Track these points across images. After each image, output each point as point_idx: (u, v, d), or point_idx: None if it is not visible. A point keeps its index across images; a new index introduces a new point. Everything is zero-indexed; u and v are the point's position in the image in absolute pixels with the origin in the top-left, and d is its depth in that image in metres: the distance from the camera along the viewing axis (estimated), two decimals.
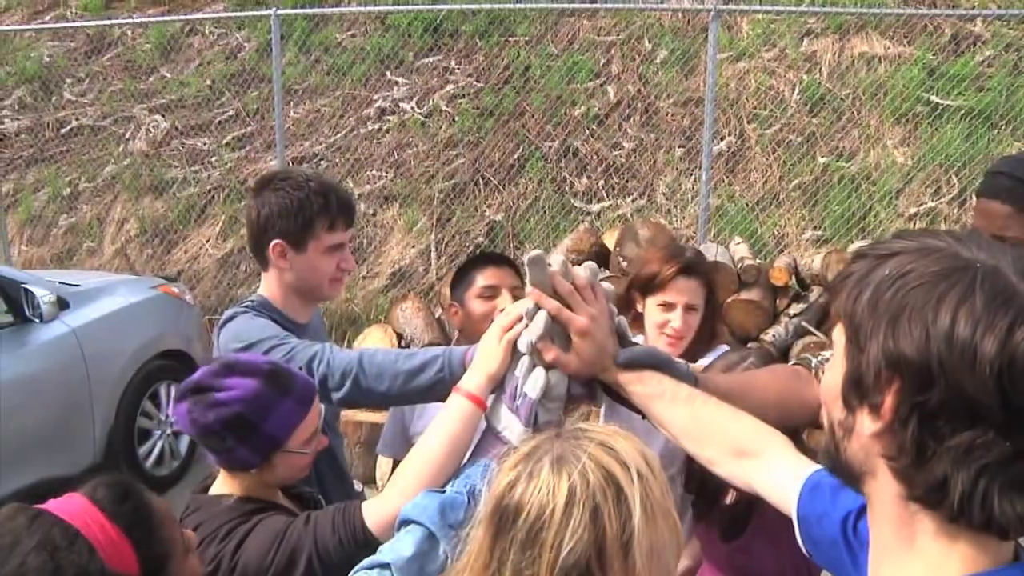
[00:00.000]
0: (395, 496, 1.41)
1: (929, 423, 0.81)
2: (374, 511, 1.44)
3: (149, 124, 8.03)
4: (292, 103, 7.94)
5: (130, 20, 8.51)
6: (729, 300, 4.58)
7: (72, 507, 1.17)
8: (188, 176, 7.56)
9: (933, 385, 0.80)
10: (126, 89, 8.35)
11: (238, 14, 8.05)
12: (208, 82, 8.23)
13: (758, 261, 4.94)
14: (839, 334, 0.94)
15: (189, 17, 8.31)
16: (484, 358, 1.46)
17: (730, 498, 1.80)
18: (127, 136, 8.05)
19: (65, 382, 3.98)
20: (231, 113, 7.97)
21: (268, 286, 2.09)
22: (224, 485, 1.71)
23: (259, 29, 8.47)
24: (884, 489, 0.90)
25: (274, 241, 2.01)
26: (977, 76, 6.86)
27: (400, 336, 5.24)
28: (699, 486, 1.91)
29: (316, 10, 8.12)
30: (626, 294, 2.27)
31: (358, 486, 2.49)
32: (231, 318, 2.00)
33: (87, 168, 7.93)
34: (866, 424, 0.88)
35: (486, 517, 1.04)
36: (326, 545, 1.44)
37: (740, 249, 5.04)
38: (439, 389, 1.63)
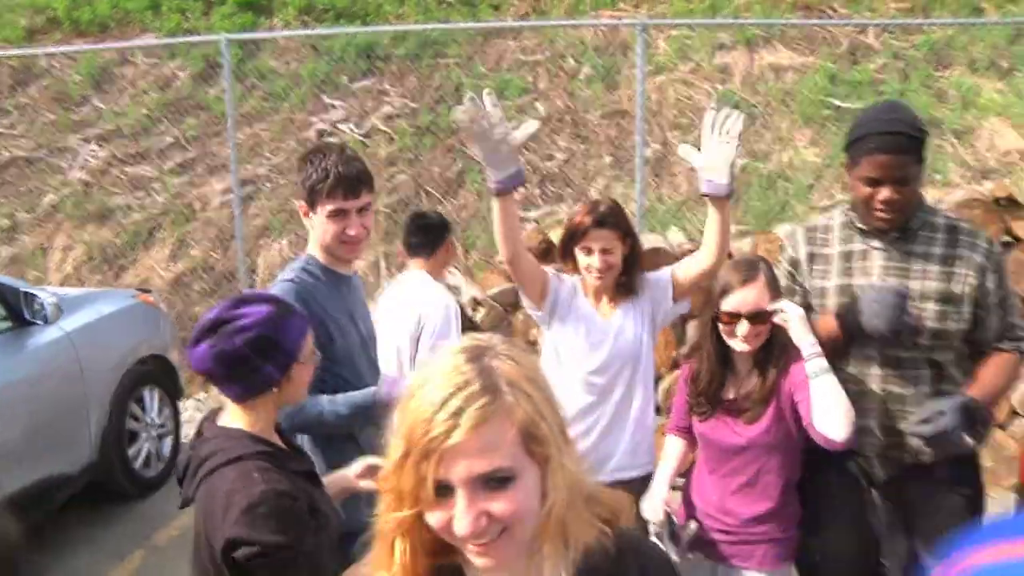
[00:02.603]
0: None
1: None
2: None
3: (86, 154, 8.26)
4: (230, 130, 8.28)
5: (70, 48, 8.73)
6: None
7: None
8: (132, 203, 7.82)
9: None
10: (59, 120, 8.56)
11: (186, 39, 8.41)
12: (144, 111, 8.50)
13: (694, 246, 5.56)
14: None
15: (134, 44, 8.68)
16: None
17: (735, 393, 2.54)
18: (64, 166, 8.25)
19: (62, 384, 4.27)
20: (170, 140, 8.26)
21: (311, 240, 2.62)
22: (234, 419, 1.98)
23: (192, 57, 8.82)
24: None
25: (299, 203, 2.52)
26: (872, 82, 7.72)
27: None
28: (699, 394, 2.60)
29: (265, 33, 8.56)
30: (563, 245, 2.96)
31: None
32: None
33: (25, 199, 8.10)
34: None
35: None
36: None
37: (678, 236, 5.66)
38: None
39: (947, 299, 2.42)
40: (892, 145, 2.35)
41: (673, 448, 2.77)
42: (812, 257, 2.58)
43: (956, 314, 2.43)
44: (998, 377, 2.46)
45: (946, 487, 2.48)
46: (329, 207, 2.47)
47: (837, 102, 7.60)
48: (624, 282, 2.95)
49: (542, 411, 1.08)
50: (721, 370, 2.59)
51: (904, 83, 7.72)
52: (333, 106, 8.33)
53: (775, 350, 2.52)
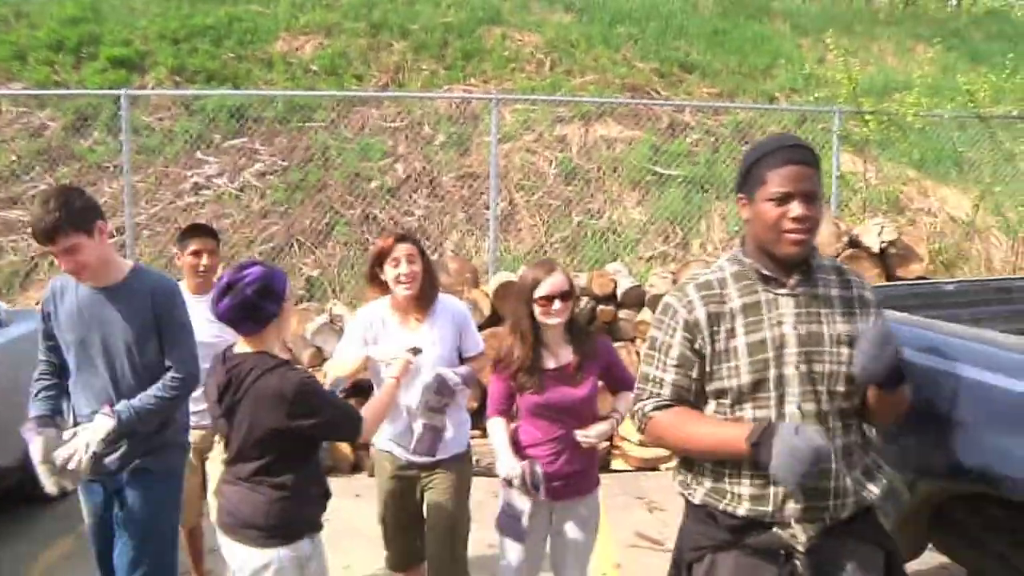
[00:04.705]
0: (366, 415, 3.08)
1: None
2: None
3: None
4: (105, 179, 9.17)
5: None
6: None
7: None
8: (5, 245, 8.55)
9: None
10: None
11: (86, 92, 9.28)
12: (13, 158, 9.26)
13: None
14: None
15: (29, 92, 9.42)
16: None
17: (555, 363, 3.46)
18: None
19: (5, 383, 5.13)
20: (43, 187, 9.03)
21: None
22: (245, 347, 2.96)
23: (64, 110, 9.66)
24: None
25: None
26: (688, 153, 9.55)
27: None
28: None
29: (169, 91, 9.55)
30: (370, 270, 3.68)
31: None
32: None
33: None
34: None
35: None
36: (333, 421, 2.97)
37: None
38: None
39: (855, 342, 2.35)
40: (802, 157, 2.34)
41: (499, 425, 3.58)
42: (712, 317, 2.41)
43: None
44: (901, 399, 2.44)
45: (862, 538, 2.44)
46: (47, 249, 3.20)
47: (659, 169, 9.35)
48: (424, 296, 3.66)
49: None
50: (537, 347, 3.43)
51: (714, 155, 9.59)
52: (207, 161, 9.37)
53: (575, 326, 3.54)
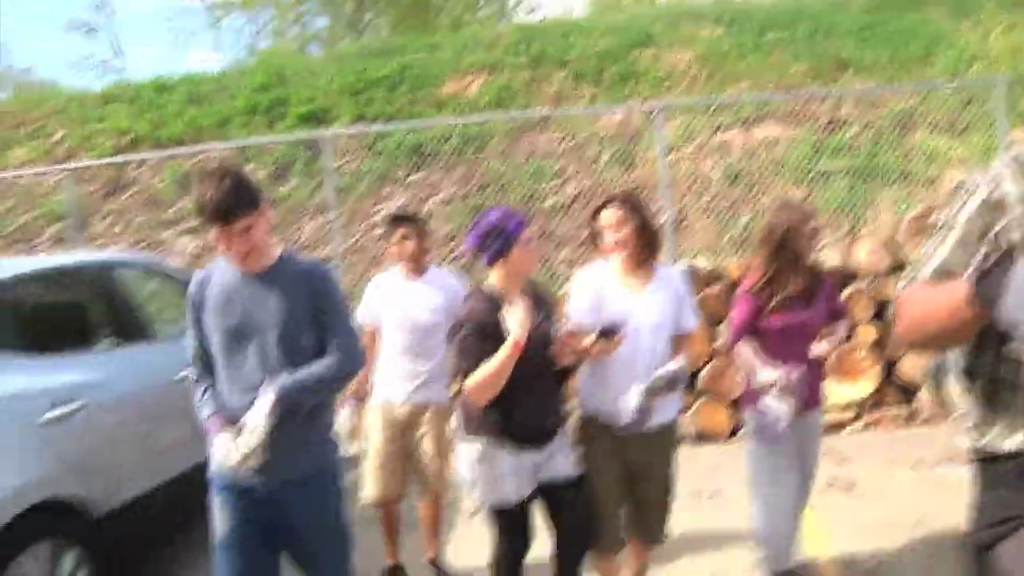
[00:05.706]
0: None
1: None
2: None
3: (180, 245, 10.22)
4: (305, 219, 10.29)
5: (195, 149, 10.79)
6: (701, 294, 7.13)
7: None
8: None
9: None
10: (152, 219, 10.54)
11: (289, 137, 10.53)
12: None
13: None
14: None
15: (245, 143, 10.68)
16: (515, 326, 3.27)
17: (794, 289, 3.94)
18: (161, 254, 10.18)
19: None
20: None
21: None
22: (491, 279, 3.50)
23: (264, 162, 10.89)
24: None
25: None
26: (848, 147, 9.87)
27: None
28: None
29: (362, 128, 10.67)
30: (591, 233, 3.83)
31: None
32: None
33: None
34: None
35: None
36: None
37: (703, 262, 7.67)
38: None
39: None
40: None
41: (747, 346, 4.02)
42: None
43: None
44: None
45: None
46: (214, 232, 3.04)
47: (821, 166, 9.74)
48: (637, 260, 3.68)
49: None
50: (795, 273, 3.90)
51: (876, 146, 9.88)
52: (393, 196, 10.36)
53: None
